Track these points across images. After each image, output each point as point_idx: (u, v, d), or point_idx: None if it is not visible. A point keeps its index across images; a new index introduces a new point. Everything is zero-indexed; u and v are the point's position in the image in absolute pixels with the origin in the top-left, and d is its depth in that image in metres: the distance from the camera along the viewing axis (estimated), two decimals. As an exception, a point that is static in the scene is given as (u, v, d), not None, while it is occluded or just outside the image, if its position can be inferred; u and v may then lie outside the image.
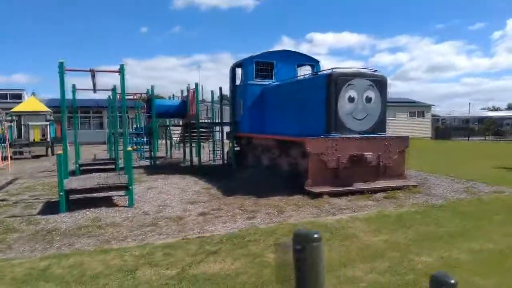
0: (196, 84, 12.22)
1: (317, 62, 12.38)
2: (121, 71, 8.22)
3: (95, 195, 8.12)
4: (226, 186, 9.43)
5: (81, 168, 11.90)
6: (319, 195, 7.99)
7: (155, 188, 9.18)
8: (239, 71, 12.55)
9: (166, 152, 17.67)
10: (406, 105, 35.26)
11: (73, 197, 8.03)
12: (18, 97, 32.77)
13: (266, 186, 9.23)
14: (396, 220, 6.07)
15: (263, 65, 11.89)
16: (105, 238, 5.41)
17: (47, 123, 18.62)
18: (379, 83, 8.90)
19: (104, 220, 6.37)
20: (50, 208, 7.23)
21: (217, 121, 15.20)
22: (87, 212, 6.89)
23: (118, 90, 13.18)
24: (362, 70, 8.92)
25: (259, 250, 4.75)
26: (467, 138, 34.94)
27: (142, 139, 14.61)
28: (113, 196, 8.17)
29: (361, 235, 5.32)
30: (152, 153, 13.76)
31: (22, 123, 18.97)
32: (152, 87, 12.67)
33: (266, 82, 11.79)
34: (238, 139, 12.96)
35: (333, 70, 8.65)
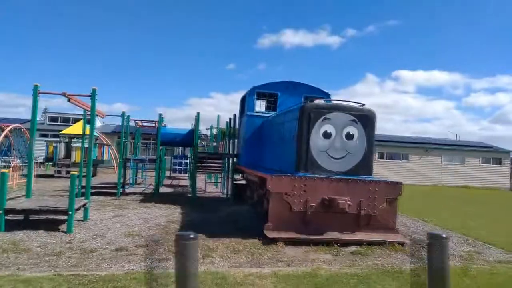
0: (198, 114, 12.01)
1: (327, 95, 11.44)
2: (92, 95, 8.30)
3: (60, 217, 8.08)
4: (195, 221, 8.85)
5: (81, 191, 12.16)
6: (273, 241, 6.98)
7: (121, 217, 8.89)
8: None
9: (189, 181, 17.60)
10: (479, 150, 31.30)
11: (33, 217, 8.09)
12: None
13: (236, 224, 8.53)
14: (321, 282, 4.91)
15: (265, 96, 11.32)
16: (-6, 264, 5.14)
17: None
18: (364, 118, 7.74)
19: (23, 244, 6.15)
20: (-1, 226, 7.26)
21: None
22: (21, 234, 6.78)
23: (133, 118, 13.52)
24: (343, 103, 7.87)
25: (110, 299, 4.06)
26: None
27: (145, 166, 14.71)
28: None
29: (250, 297, 4.33)
30: (156, 181, 13.65)
31: (71, 144, 20.50)
32: (160, 115, 12.80)
33: (268, 114, 11.16)
34: (242, 171, 12.33)
35: (308, 101, 7.77)
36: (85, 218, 8.21)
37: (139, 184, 16.39)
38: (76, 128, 21.64)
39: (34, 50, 77.49)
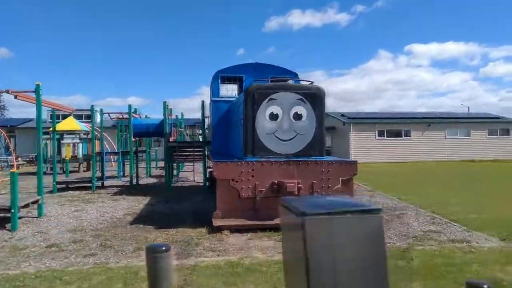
0: (164, 103, 11.76)
1: (295, 74, 10.99)
2: (36, 90, 8.13)
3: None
4: (155, 212, 8.72)
5: (58, 186, 12.18)
6: (219, 229, 6.76)
7: (80, 211, 8.80)
8: (214, 87, 11.78)
9: (177, 173, 17.51)
10: (485, 122, 30.21)
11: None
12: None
13: (196, 213, 8.36)
14: (238, 272, 4.67)
15: (231, 80, 10.96)
16: None
17: (78, 141, 19.94)
18: (312, 97, 7.35)
19: (-42, 245, 6.10)
20: None
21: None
22: (-37, 234, 6.74)
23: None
24: (289, 82, 7.49)
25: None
26: None
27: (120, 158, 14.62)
28: (24, 216, 7.99)
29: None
30: (130, 173, 13.56)
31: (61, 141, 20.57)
32: (130, 106, 12.59)
33: (233, 98, 10.81)
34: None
35: (253, 83, 7.43)
36: (40, 214, 8.14)
37: (126, 176, 16.36)
38: (64, 124, 21.74)
39: (53, 50, 78.10)
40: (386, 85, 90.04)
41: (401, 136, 28.71)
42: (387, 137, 28.48)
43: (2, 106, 73.07)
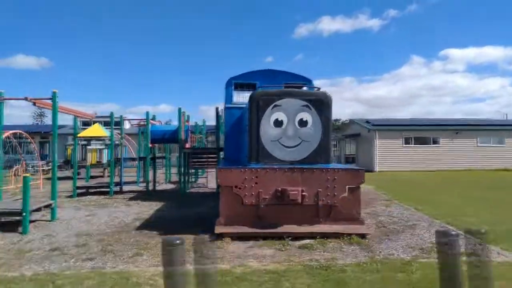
0: (179, 109, 11.90)
1: (309, 81, 10.85)
2: (53, 98, 8.43)
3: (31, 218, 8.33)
4: (165, 217, 8.81)
5: (78, 191, 12.55)
6: (220, 236, 6.73)
7: (92, 216, 9.01)
8: (229, 94, 11.82)
9: (195, 179, 17.67)
10: (520, 129, 28.69)
11: (7, 218, 8.37)
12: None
13: (204, 220, 8.35)
14: (227, 281, 4.60)
15: (244, 86, 10.96)
16: None
17: (102, 147, 20.53)
18: (318, 103, 7.21)
19: (-34, 247, 6.36)
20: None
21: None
22: (-29, 237, 7.04)
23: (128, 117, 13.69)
24: (293, 89, 7.40)
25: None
26: None
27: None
28: (37, 220, 8.27)
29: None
30: (147, 179, 13.76)
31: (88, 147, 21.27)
32: (147, 113, 12.85)
33: (245, 105, 10.82)
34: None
35: (258, 89, 7.38)
36: (53, 218, 8.39)
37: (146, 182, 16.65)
38: (90, 131, 22.41)
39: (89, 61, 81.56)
40: (420, 91, 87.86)
41: (429, 144, 27.73)
42: (414, 144, 27.58)
43: (41, 113, 76.98)
